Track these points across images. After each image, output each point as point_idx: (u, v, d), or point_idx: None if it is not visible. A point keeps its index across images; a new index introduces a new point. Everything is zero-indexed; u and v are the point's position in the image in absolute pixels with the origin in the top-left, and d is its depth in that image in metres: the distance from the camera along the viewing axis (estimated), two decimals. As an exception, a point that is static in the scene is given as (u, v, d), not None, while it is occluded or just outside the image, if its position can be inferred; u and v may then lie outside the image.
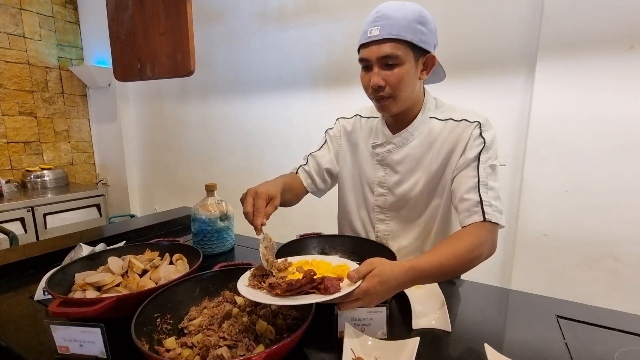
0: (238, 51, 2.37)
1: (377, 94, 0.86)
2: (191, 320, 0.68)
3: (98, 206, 2.80)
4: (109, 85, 2.89)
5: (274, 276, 0.66)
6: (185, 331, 0.67)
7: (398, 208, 0.99)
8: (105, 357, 0.61)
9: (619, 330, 0.73)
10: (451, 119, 0.91)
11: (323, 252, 1.03)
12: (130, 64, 0.82)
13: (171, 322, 0.69)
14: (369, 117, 1.04)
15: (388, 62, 0.82)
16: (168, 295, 0.72)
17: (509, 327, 0.76)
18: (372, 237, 1.05)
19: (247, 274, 0.70)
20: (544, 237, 1.50)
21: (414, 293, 0.81)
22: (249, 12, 2.27)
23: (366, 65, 0.86)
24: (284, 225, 2.10)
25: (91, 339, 0.61)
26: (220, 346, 0.56)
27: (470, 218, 0.80)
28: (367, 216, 1.06)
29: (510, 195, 1.59)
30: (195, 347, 0.60)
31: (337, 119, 1.11)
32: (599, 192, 1.39)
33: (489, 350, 0.57)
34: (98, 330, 0.60)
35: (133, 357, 0.60)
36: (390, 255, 0.88)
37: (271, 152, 2.39)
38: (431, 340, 0.69)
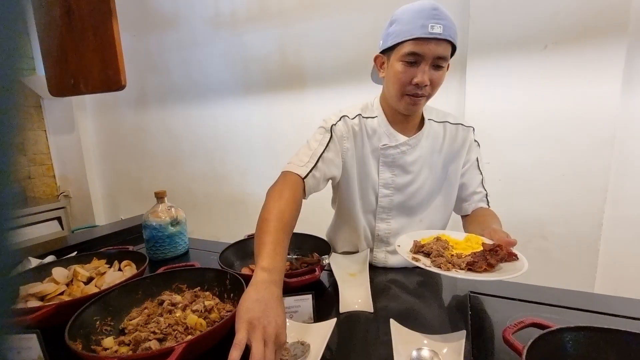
0: (194, 56, 2.39)
1: (418, 92, 0.85)
2: (131, 320, 0.73)
3: (59, 219, 2.74)
4: (64, 94, 2.82)
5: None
6: (126, 331, 0.72)
7: (403, 207, 1.01)
8: (43, 360, 0.65)
9: (520, 300, 0.85)
10: (447, 122, 1.01)
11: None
12: (64, 80, 0.84)
13: (112, 324, 0.73)
14: (367, 118, 0.99)
15: (439, 64, 0.83)
16: (109, 299, 0.76)
17: (424, 304, 0.85)
18: (370, 237, 1.06)
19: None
20: (484, 222, 1.63)
21: (345, 281, 0.89)
22: (202, 17, 2.29)
23: (414, 61, 0.83)
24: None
25: (28, 345, 0.64)
26: (150, 339, 0.62)
27: (479, 204, 1.03)
28: (366, 217, 1.04)
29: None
30: (131, 343, 0.65)
31: (342, 116, 0.97)
32: (528, 179, 1.54)
33: (393, 324, 0.66)
34: (34, 337, 0.64)
35: (71, 358, 0.65)
36: (327, 246, 0.98)
37: (234, 154, 2.42)
38: (354, 320, 0.77)
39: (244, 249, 1.06)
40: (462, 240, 0.83)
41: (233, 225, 2.53)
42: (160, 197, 1.21)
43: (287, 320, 0.72)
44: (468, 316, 0.77)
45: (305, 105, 2.07)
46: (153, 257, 1.19)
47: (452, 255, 0.75)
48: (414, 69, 0.84)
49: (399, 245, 0.82)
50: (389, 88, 0.92)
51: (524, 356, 0.48)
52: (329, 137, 0.94)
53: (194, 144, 2.56)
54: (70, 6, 0.78)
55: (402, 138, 0.97)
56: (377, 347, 0.66)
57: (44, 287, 0.83)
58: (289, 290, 0.77)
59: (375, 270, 1.04)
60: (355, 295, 0.84)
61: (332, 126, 0.95)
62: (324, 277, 1.00)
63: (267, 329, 0.54)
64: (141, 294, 0.82)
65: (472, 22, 1.51)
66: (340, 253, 1.13)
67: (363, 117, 0.98)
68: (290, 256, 1.07)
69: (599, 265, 1.48)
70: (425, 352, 0.59)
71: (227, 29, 2.22)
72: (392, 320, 0.67)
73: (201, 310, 0.72)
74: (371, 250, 1.07)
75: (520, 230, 1.58)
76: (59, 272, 0.88)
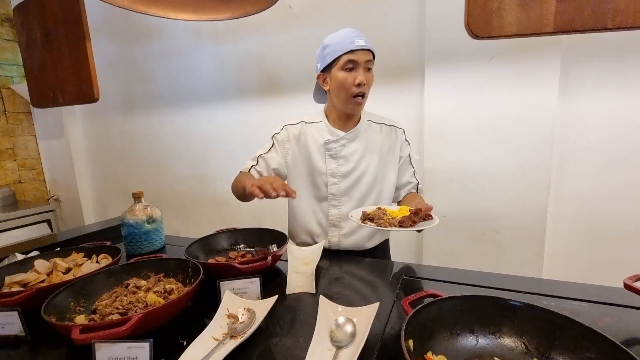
0: (178, 64, 2.51)
1: (359, 91, 1.10)
2: (102, 302, 0.84)
3: (49, 222, 2.84)
4: (54, 101, 2.92)
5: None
6: (97, 311, 0.83)
7: (350, 193, 1.22)
8: (24, 334, 0.76)
9: (442, 281, 0.97)
10: (383, 123, 1.26)
11: (235, 243, 1.22)
12: (44, 93, 0.95)
13: (85, 305, 0.84)
14: (312, 122, 1.25)
15: (368, 67, 1.12)
16: (83, 284, 0.87)
17: (360, 285, 0.98)
18: (324, 223, 1.25)
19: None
20: (444, 218, 1.76)
21: (295, 268, 1.02)
22: (185, 28, 2.41)
23: (351, 67, 1.10)
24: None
25: (10, 321, 0.76)
26: (113, 314, 0.73)
27: (411, 191, 1.30)
28: (320, 205, 1.25)
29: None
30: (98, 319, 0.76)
31: (284, 126, 1.27)
32: (481, 177, 1.67)
33: (322, 299, 0.78)
34: (15, 313, 0.75)
35: (48, 333, 0.76)
36: (284, 239, 1.10)
37: (217, 158, 2.54)
38: (298, 299, 0.90)
39: (210, 244, 1.18)
40: (397, 210, 1.08)
41: (219, 225, 2.64)
42: (137, 197, 1.33)
43: (239, 297, 0.85)
44: (395, 294, 0.90)
45: (282, 111, 2.20)
46: (131, 252, 1.30)
47: (389, 218, 1.01)
48: (353, 73, 1.10)
49: (352, 215, 1.05)
50: (338, 95, 1.15)
51: (408, 317, 0.61)
52: (270, 144, 1.27)
53: (179, 148, 2.67)
54: (48, 29, 0.90)
55: (342, 133, 1.21)
56: (310, 318, 0.78)
57: (26, 276, 0.94)
58: (241, 274, 0.89)
59: (331, 258, 1.16)
60: (301, 279, 0.96)
61: (273, 135, 1.28)
62: (282, 266, 1.12)
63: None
64: (112, 281, 0.93)
65: (428, 36, 1.64)
66: (299, 243, 1.26)
67: (307, 122, 1.25)
68: (252, 248, 1.19)
69: (545, 255, 1.61)
70: (342, 319, 0.71)
71: (209, 39, 2.35)
72: (321, 297, 0.79)
73: (161, 291, 0.83)
74: (326, 235, 1.24)
75: (475, 224, 1.71)
76: (40, 264, 1.00)
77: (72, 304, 0.82)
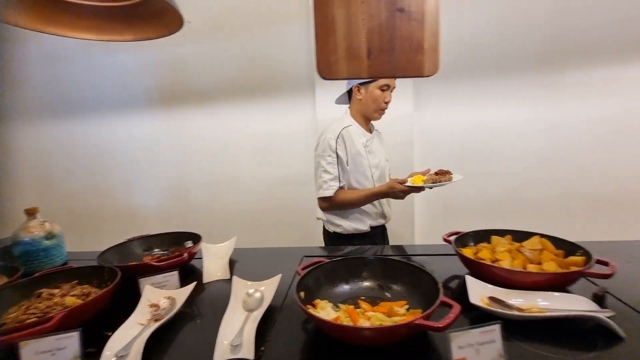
0: (63, 72, 2.32)
1: (386, 107, 1.53)
2: (9, 315, 0.85)
3: None
4: None
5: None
6: (5, 325, 0.83)
7: (380, 177, 1.60)
8: None
9: (330, 256, 1.24)
10: (377, 129, 1.68)
11: (149, 248, 1.28)
12: None
13: (-11, 322, 0.84)
14: (347, 127, 1.54)
15: (392, 90, 1.53)
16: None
17: (266, 266, 1.18)
18: (378, 205, 1.60)
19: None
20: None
21: (210, 260, 1.16)
22: (71, 32, 2.25)
23: (386, 89, 1.50)
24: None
25: None
26: (30, 319, 0.78)
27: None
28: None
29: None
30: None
31: (338, 133, 1.52)
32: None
33: (234, 278, 0.95)
34: None
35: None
36: (197, 237, 1.23)
37: (117, 169, 2.43)
38: (216, 285, 1.05)
39: (123, 251, 1.23)
40: (415, 178, 1.44)
41: (123, 238, 2.51)
42: (31, 213, 1.27)
43: (160, 289, 0.95)
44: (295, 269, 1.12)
45: (183, 121, 2.26)
46: (29, 272, 1.24)
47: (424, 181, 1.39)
48: (386, 93, 1.51)
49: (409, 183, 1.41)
50: (369, 105, 1.54)
51: (300, 277, 0.83)
52: (335, 158, 1.53)
53: (71, 161, 2.45)
54: None
55: (369, 135, 1.60)
56: (225, 298, 0.94)
57: None
58: (159, 270, 1.00)
59: (242, 253, 1.33)
60: (216, 268, 1.11)
61: (335, 149, 1.52)
62: (198, 263, 1.24)
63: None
64: (18, 296, 0.93)
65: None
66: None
67: (347, 126, 1.54)
68: (166, 250, 1.28)
69: (415, 229, 2.07)
70: (252, 290, 0.90)
71: (100, 46, 2.25)
72: (234, 277, 0.96)
73: (79, 294, 0.89)
74: (384, 215, 1.64)
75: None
76: None
77: (-26, 322, 0.82)
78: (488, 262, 0.92)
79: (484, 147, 2.02)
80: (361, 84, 1.54)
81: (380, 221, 1.62)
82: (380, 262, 0.93)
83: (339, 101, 1.69)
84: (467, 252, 1.00)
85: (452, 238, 1.06)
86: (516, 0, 1.82)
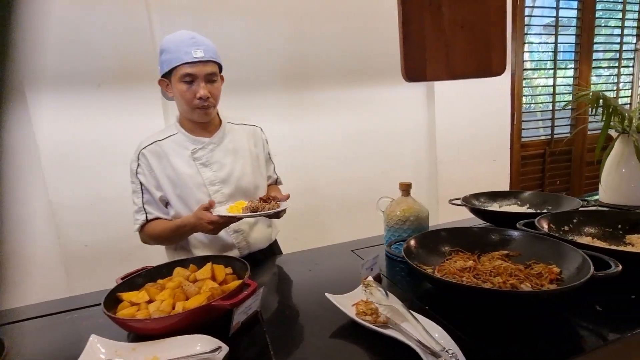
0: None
1: (204, 104, 1.06)
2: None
3: None
4: None
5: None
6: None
7: (235, 195, 1.15)
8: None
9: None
10: (242, 123, 1.24)
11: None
12: None
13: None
14: (165, 138, 1.13)
15: (212, 79, 1.07)
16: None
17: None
18: (224, 232, 1.13)
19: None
20: (86, 247, 1.66)
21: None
22: None
23: (190, 80, 1.04)
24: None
25: None
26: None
27: (271, 184, 1.33)
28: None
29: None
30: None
31: (138, 154, 1.11)
32: (113, 202, 1.65)
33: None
34: None
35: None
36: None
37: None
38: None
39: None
40: (234, 205, 1.09)
41: None
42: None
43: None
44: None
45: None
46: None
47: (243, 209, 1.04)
48: (194, 87, 1.05)
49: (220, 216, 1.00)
50: (181, 105, 1.10)
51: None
52: (139, 186, 1.13)
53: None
54: None
55: (206, 139, 1.14)
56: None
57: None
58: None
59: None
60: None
61: (136, 174, 1.12)
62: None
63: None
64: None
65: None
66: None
67: (159, 140, 1.13)
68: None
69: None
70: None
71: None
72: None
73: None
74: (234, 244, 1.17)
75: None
76: None
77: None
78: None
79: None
80: (164, 75, 1.09)
81: (232, 252, 1.17)
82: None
83: (169, 97, 1.18)
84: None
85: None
86: (260, 20, 1.87)
